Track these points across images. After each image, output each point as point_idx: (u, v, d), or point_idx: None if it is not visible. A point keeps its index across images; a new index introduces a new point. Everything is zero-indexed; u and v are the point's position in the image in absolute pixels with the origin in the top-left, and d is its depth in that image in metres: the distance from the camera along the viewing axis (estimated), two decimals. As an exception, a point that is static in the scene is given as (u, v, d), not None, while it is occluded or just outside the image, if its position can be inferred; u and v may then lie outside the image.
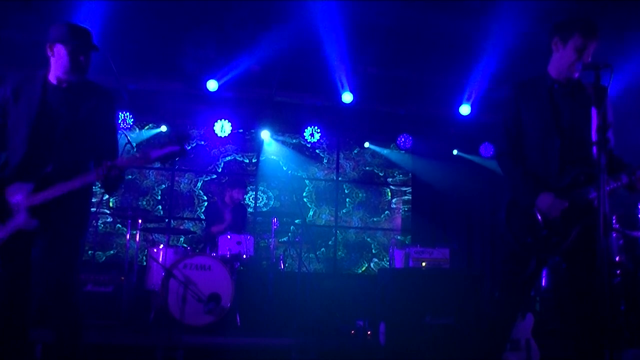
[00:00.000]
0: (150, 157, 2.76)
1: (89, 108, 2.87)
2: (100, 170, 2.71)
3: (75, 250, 2.85)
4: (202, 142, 7.94)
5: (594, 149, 2.64)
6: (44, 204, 2.72)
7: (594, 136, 2.71)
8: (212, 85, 6.72)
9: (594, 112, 2.72)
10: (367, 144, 8.31)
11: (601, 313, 2.53)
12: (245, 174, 8.05)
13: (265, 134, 7.80)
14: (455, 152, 8.21)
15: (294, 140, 8.28)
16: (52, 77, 2.88)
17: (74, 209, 2.84)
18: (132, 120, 6.99)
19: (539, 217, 2.76)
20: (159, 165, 2.45)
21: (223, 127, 7.29)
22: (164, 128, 7.56)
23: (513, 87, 3.01)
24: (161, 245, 5.84)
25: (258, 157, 8.14)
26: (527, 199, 2.78)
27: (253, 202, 8.04)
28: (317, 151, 8.41)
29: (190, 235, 7.18)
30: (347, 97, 7.01)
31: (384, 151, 8.42)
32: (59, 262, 2.79)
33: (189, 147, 2.65)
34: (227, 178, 7.66)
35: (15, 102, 2.80)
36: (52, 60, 2.84)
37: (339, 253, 8.30)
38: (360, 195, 8.55)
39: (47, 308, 2.83)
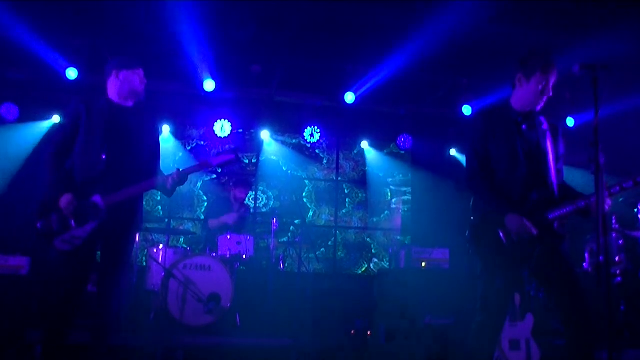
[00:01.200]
0: (211, 163, 3.33)
1: (147, 124, 3.37)
2: (171, 177, 3.21)
3: (131, 249, 3.33)
4: (202, 142, 7.94)
5: (552, 178, 3.00)
6: (114, 206, 3.10)
7: (552, 166, 3.02)
8: (209, 85, 6.72)
9: (550, 144, 3.05)
10: (364, 144, 8.31)
11: (590, 319, 2.75)
12: (245, 174, 8.05)
13: (265, 134, 7.80)
14: (453, 151, 8.21)
15: (294, 141, 8.27)
16: (115, 98, 3.32)
17: (136, 211, 3.30)
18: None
19: (503, 238, 2.93)
20: (218, 170, 3.37)
21: (223, 127, 7.29)
22: (167, 128, 7.54)
23: (480, 115, 3.24)
24: (161, 246, 5.84)
25: (258, 157, 8.14)
26: (498, 218, 2.94)
27: (253, 202, 8.04)
28: (317, 151, 8.41)
29: (190, 236, 7.18)
30: (349, 98, 7.00)
31: (382, 153, 8.42)
32: (115, 259, 3.19)
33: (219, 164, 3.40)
34: (227, 178, 7.66)
35: (87, 117, 3.18)
36: (116, 83, 3.29)
37: (339, 253, 8.30)
38: (360, 195, 8.55)
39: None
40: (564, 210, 2.93)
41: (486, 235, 3.02)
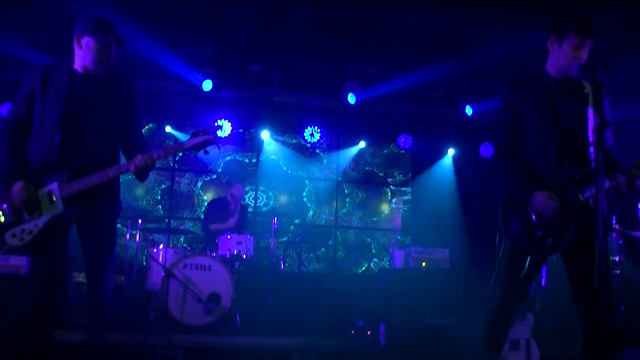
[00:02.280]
0: (183, 146, 2.89)
1: (116, 96, 2.93)
2: (138, 161, 2.78)
3: (111, 239, 2.94)
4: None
5: (591, 149, 2.69)
6: (79, 193, 2.74)
7: (591, 136, 2.73)
8: (207, 85, 6.71)
9: (591, 112, 2.74)
10: (362, 144, 8.31)
11: (601, 313, 2.51)
12: (245, 174, 8.05)
13: (265, 134, 7.80)
14: (451, 151, 8.20)
15: (294, 140, 8.27)
16: (78, 67, 2.89)
17: (107, 196, 2.89)
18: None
19: (534, 218, 2.75)
20: (193, 152, 2.72)
21: (223, 127, 7.29)
22: (168, 128, 7.56)
23: (511, 85, 3.01)
24: (161, 245, 5.84)
25: (258, 157, 8.14)
26: (523, 196, 2.77)
27: (253, 202, 8.04)
28: (317, 151, 8.41)
29: (190, 235, 7.18)
30: (350, 99, 7.00)
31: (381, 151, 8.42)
32: (94, 250, 2.87)
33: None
34: (227, 178, 7.67)
35: (43, 92, 2.81)
36: (79, 52, 2.87)
37: (339, 253, 8.30)
38: (360, 195, 8.55)
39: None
40: (589, 192, 2.67)
41: (516, 215, 2.81)
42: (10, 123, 2.82)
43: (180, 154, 3.07)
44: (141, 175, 2.91)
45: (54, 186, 2.72)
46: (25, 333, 2.90)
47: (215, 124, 2.90)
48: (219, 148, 3.13)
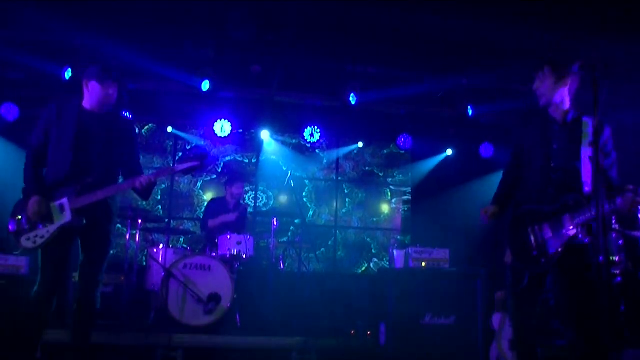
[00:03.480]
0: (175, 169, 3.52)
1: (119, 130, 3.53)
2: (139, 181, 3.37)
3: (108, 243, 3.48)
4: (202, 142, 7.94)
5: (584, 179, 2.97)
6: (85, 207, 3.31)
7: (584, 174, 2.99)
8: (206, 85, 6.71)
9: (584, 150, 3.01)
10: (360, 144, 8.31)
11: (598, 319, 2.65)
12: (245, 173, 8.05)
13: (265, 134, 7.80)
14: (449, 151, 8.20)
15: (294, 140, 8.27)
16: (87, 104, 3.48)
17: (107, 208, 3.45)
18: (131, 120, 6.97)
19: (532, 239, 3.07)
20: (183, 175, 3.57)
21: (223, 127, 7.29)
22: (169, 129, 7.55)
23: (521, 114, 3.35)
24: (161, 246, 5.84)
25: (258, 157, 8.14)
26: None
27: (253, 202, 8.04)
28: (317, 151, 8.41)
29: (190, 236, 7.18)
30: (351, 99, 7.00)
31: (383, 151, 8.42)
32: (93, 253, 3.40)
33: (203, 160, 3.58)
34: (227, 178, 7.67)
35: (58, 124, 3.40)
36: (87, 93, 3.47)
37: (339, 253, 8.30)
38: (360, 195, 8.55)
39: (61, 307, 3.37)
40: (582, 217, 2.89)
41: (519, 233, 3.14)
42: (33, 149, 3.41)
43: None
44: (144, 194, 3.50)
45: (64, 200, 3.30)
46: (25, 331, 3.26)
47: (209, 149, 3.51)
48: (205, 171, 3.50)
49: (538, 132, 3.18)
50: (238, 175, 6.63)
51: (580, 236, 2.91)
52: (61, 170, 3.34)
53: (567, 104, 3.13)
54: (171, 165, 3.64)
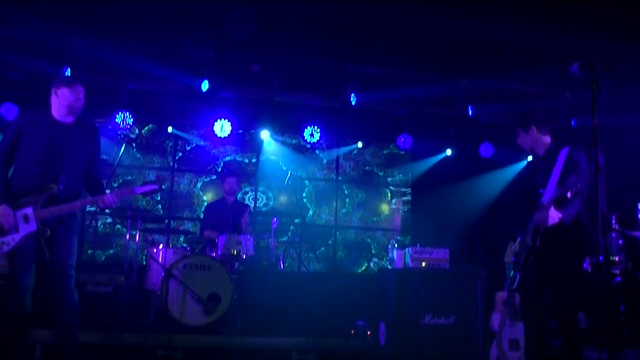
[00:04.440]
0: (134, 192, 3.70)
1: (84, 140, 3.60)
2: (102, 201, 3.52)
3: (73, 253, 3.51)
4: (202, 143, 7.94)
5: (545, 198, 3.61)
6: (50, 218, 3.39)
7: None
8: (206, 85, 6.71)
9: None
10: (359, 144, 8.30)
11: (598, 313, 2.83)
12: (244, 174, 8.06)
13: (265, 134, 7.79)
14: (449, 151, 8.20)
15: (294, 141, 8.27)
16: (56, 115, 3.55)
17: (71, 220, 3.54)
18: (131, 120, 6.97)
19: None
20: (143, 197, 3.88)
21: (223, 127, 7.28)
22: (169, 129, 7.55)
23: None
24: (161, 246, 5.84)
25: (258, 157, 8.14)
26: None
27: (253, 202, 8.04)
28: (316, 151, 8.41)
29: (190, 235, 7.18)
30: (351, 99, 6.99)
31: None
32: (59, 262, 3.44)
33: (164, 186, 3.90)
34: (219, 176, 7.66)
35: (28, 133, 3.45)
36: (56, 101, 3.53)
37: (339, 253, 8.30)
38: (360, 195, 8.55)
39: (47, 309, 3.43)
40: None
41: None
42: (2, 156, 3.44)
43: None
44: (104, 209, 3.76)
45: (29, 209, 3.36)
46: (10, 333, 3.36)
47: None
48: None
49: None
50: (229, 171, 6.61)
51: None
52: (28, 180, 3.40)
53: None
54: (139, 185, 3.81)
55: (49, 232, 3.37)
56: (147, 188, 3.69)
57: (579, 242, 3.62)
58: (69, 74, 3.79)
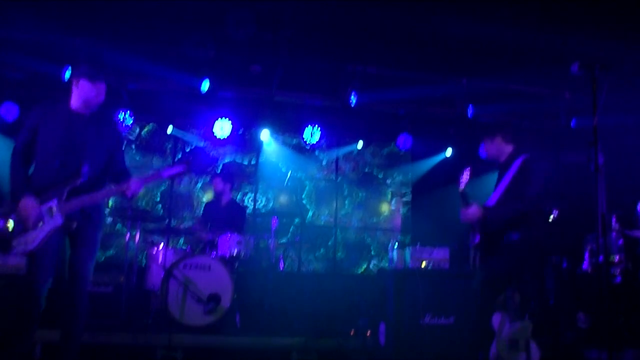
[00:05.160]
0: (161, 175, 3.52)
1: (107, 132, 3.51)
2: (128, 188, 3.36)
3: (96, 247, 3.44)
4: (202, 143, 7.94)
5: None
6: (74, 211, 3.29)
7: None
8: (206, 85, 6.71)
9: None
10: (360, 144, 8.30)
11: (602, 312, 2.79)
12: (244, 175, 8.05)
13: (264, 134, 7.79)
14: (449, 151, 8.20)
15: (294, 141, 8.27)
16: (75, 106, 3.44)
17: (96, 212, 3.43)
18: (132, 120, 6.98)
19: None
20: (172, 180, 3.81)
21: (223, 127, 7.28)
22: (169, 129, 7.55)
23: None
24: (161, 246, 5.84)
25: (257, 158, 8.13)
26: None
27: (253, 203, 8.04)
28: (316, 151, 8.41)
29: (189, 236, 7.18)
30: (351, 99, 6.99)
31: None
32: (82, 256, 3.36)
33: (191, 164, 3.58)
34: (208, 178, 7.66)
35: (45, 125, 3.35)
36: (76, 92, 3.42)
37: (339, 253, 8.30)
38: (360, 195, 8.54)
39: (54, 307, 3.34)
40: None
41: None
42: (18, 150, 3.36)
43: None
44: (129, 199, 3.46)
45: (54, 202, 3.24)
46: (15, 333, 3.24)
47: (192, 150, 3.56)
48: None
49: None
50: (216, 173, 6.61)
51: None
52: (49, 173, 3.29)
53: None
54: (164, 167, 3.63)
55: (75, 226, 3.26)
56: (175, 170, 3.51)
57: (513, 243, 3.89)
58: (93, 67, 3.49)
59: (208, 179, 8.00)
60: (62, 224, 3.22)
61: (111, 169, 3.52)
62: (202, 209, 6.78)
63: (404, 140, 7.83)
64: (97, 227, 3.43)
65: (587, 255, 6.03)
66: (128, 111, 6.91)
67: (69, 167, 3.30)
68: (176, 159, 7.87)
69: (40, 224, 3.20)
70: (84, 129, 3.39)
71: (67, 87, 3.48)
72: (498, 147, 4.23)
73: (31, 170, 3.36)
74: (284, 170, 8.22)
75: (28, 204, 3.17)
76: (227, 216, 6.26)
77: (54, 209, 3.22)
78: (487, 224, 3.87)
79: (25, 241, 3.18)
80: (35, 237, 3.18)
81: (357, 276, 8.19)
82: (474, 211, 3.99)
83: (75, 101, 3.43)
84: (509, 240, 3.86)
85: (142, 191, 3.54)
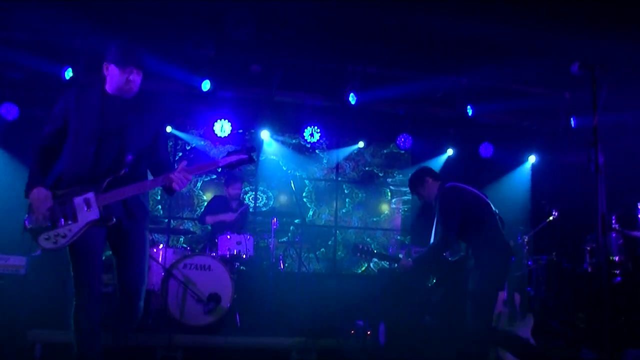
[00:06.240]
0: (218, 164, 3.04)
1: (145, 116, 3.10)
2: (175, 178, 2.91)
3: (145, 245, 3.10)
4: (202, 143, 7.94)
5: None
6: (114, 204, 2.93)
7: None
8: (207, 85, 6.71)
9: None
10: (361, 144, 8.30)
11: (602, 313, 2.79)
12: (244, 174, 8.05)
13: (265, 134, 7.79)
14: (450, 151, 8.20)
15: (294, 140, 8.27)
16: (110, 89, 3.07)
17: (139, 206, 3.07)
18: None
19: None
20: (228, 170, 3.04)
21: (223, 127, 7.28)
22: (169, 129, 7.54)
23: None
24: (161, 245, 5.84)
25: (258, 157, 8.13)
26: None
27: (253, 202, 8.04)
28: (316, 151, 8.41)
29: (190, 236, 7.18)
30: (351, 99, 6.99)
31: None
32: (129, 256, 3.05)
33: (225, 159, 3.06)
34: (225, 178, 7.67)
35: (77, 110, 2.97)
36: (107, 76, 3.06)
37: (339, 253, 8.30)
38: (360, 195, 8.54)
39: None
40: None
41: None
42: (44, 139, 3.02)
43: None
44: (173, 190, 3.00)
45: (90, 195, 2.88)
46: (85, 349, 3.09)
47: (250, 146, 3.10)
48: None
49: None
50: (235, 176, 6.61)
51: None
52: (83, 163, 2.92)
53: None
54: (222, 156, 3.10)
55: (115, 220, 2.91)
56: (233, 158, 3.01)
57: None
58: (124, 51, 3.10)
59: (208, 178, 8.01)
60: (98, 217, 2.87)
61: (152, 159, 3.14)
62: (212, 199, 6.73)
63: (404, 140, 7.84)
64: (145, 226, 3.10)
65: (587, 256, 6.03)
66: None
67: (106, 155, 2.94)
68: (177, 158, 7.86)
69: (73, 218, 2.85)
70: (122, 114, 3.01)
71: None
72: (429, 189, 4.34)
73: (62, 159, 2.98)
74: (284, 169, 8.22)
75: (39, 196, 2.84)
76: (241, 220, 6.30)
77: (91, 201, 2.87)
78: (420, 273, 4.00)
79: (55, 237, 2.85)
80: (66, 233, 2.86)
81: (356, 276, 8.20)
82: (404, 264, 4.15)
83: (109, 85, 3.07)
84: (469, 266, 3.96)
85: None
